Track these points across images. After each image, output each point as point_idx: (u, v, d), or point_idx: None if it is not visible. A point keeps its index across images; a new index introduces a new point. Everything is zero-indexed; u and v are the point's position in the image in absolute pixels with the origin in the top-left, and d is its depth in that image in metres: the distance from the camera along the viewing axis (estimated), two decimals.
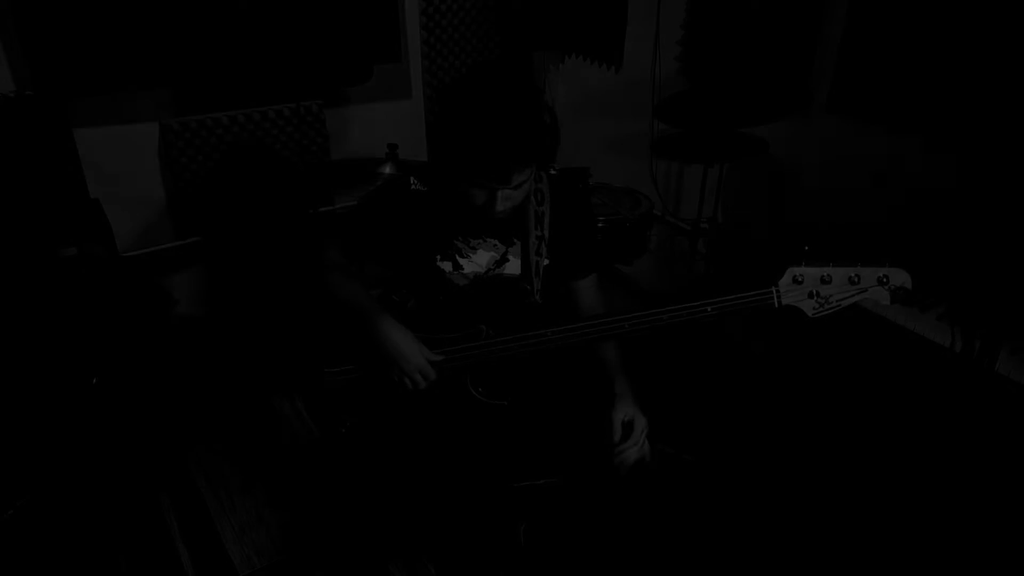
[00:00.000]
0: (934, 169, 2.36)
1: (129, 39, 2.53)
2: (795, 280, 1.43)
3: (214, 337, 3.24)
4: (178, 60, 2.65)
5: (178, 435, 2.70)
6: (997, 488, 2.06)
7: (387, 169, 2.48)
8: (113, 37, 2.50)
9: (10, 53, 2.43)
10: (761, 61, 2.71)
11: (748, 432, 2.71)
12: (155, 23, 2.56)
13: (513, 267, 1.67)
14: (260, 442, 2.68)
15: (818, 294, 1.43)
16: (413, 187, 1.64)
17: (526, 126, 1.42)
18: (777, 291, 1.44)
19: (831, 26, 2.51)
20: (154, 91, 2.72)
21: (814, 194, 2.73)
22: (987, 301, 1.87)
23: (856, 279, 1.42)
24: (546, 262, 1.66)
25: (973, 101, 2.19)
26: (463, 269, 1.65)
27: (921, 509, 2.23)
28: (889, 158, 2.47)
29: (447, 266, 1.65)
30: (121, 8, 2.48)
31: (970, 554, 2.07)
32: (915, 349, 2.00)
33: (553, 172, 1.64)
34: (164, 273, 3.05)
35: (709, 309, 1.46)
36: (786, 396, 2.81)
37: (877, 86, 2.42)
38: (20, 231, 2.40)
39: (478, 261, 1.65)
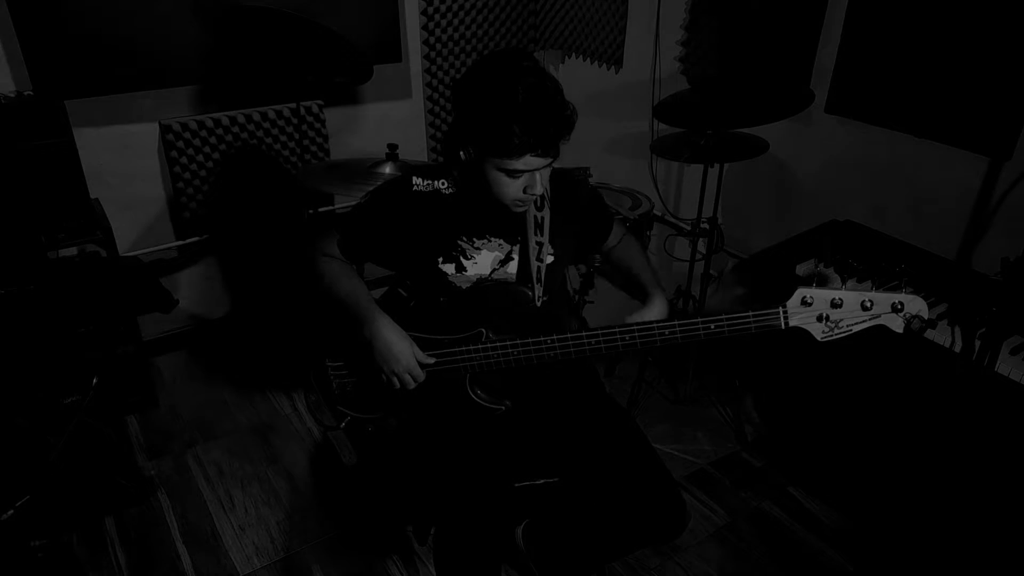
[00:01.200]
0: (934, 169, 2.36)
1: (127, 42, 2.53)
2: (804, 302, 1.39)
3: (214, 336, 3.25)
4: (176, 63, 2.66)
5: (178, 434, 2.70)
6: (997, 487, 2.06)
7: (387, 169, 2.48)
8: (111, 40, 2.51)
9: (10, 54, 2.44)
10: (761, 61, 2.71)
11: (747, 427, 2.71)
12: (153, 26, 2.56)
13: (516, 267, 1.67)
14: (260, 440, 2.68)
15: (828, 318, 1.39)
16: (415, 188, 1.64)
17: (560, 94, 1.44)
18: (785, 312, 1.40)
19: (831, 26, 2.51)
20: (154, 92, 2.72)
21: (814, 194, 2.74)
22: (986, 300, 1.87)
23: (869, 305, 1.37)
24: (550, 259, 1.66)
25: (973, 102, 2.19)
26: (467, 271, 1.64)
27: (919, 507, 2.23)
28: (888, 158, 2.47)
29: (450, 268, 1.64)
30: (119, 11, 2.48)
31: (969, 553, 2.07)
32: (915, 349, 2.00)
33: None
34: (165, 273, 3.06)
35: (712, 327, 1.44)
36: (785, 396, 2.81)
37: (877, 87, 2.42)
38: (20, 231, 2.40)
39: (482, 262, 1.65)
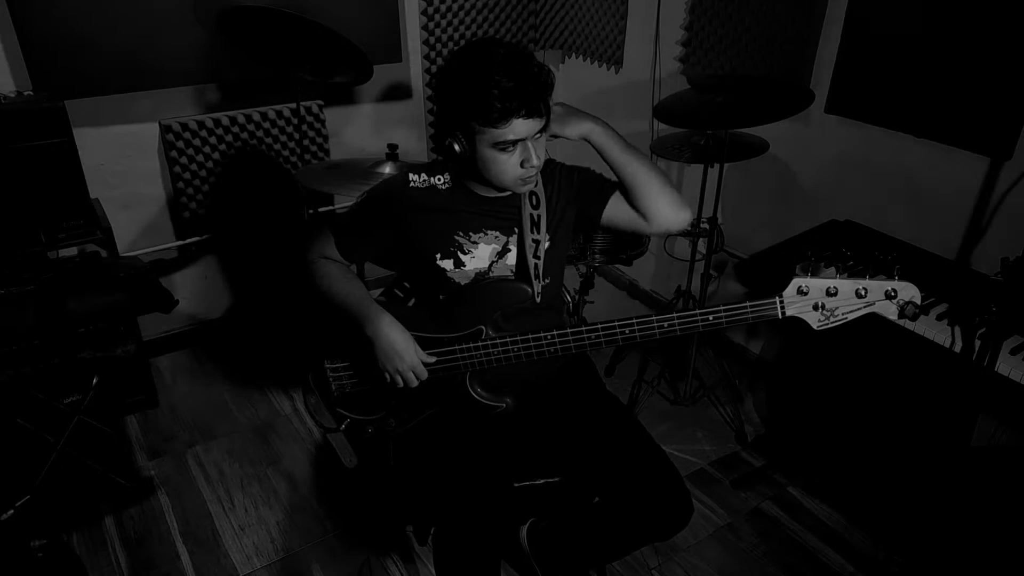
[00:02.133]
0: (934, 169, 2.36)
1: (127, 42, 2.54)
2: (800, 291, 1.40)
3: (214, 336, 3.25)
4: (176, 63, 2.66)
5: (178, 434, 2.70)
6: (998, 487, 2.06)
7: (387, 169, 2.48)
8: (111, 40, 2.51)
9: (10, 54, 2.44)
10: (761, 61, 2.71)
11: (747, 427, 2.71)
12: (153, 26, 2.56)
13: (514, 259, 1.67)
14: (260, 440, 2.68)
15: (823, 306, 1.40)
16: (412, 184, 1.64)
17: (534, 57, 1.45)
18: (781, 302, 1.42)
19: (831, 26, 2.51)
20: (154, 92, 2.72)
21: (814, 194, 2.73)
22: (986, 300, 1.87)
23: (863, 292, 1.38)
24: (547, 245, 1.65)
25: (973, 102, 2.18)
26: (465, 267, 1.64)
27: (920, 507, 2.23)
28: (888, 158, 2.47)
29: (448, 264, 1.64)
30: (119, 11, 2.48)
31: (970, 552, 2.07)
32: (915, 348, 2.00)
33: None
34: (164, 273, 3.06)
35: (711, 318, 1.45)
36: (785, 396, 2.81)
37: (877, 87, 2.42)
38: (20, 231, 2.40)
39: (480, 256, 1.65)
